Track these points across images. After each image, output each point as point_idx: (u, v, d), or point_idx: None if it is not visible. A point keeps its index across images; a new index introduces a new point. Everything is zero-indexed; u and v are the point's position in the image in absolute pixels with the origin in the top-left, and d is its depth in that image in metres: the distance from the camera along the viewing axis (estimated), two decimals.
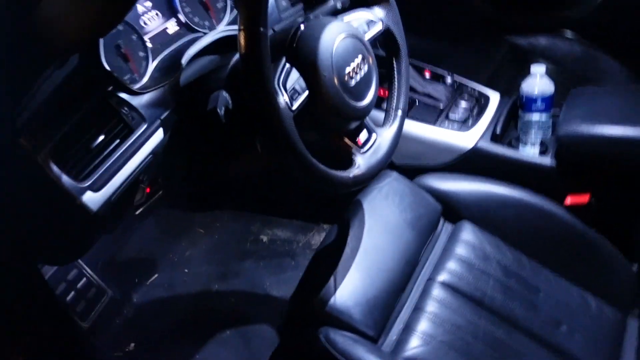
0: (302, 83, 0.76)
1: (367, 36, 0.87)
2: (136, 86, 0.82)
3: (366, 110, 0.84)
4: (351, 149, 0.85)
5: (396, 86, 0.93)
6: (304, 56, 0.76)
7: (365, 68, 0.83)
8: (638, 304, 1.04)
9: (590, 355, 0.98)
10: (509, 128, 1.25)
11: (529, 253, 1.08)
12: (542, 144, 1.20)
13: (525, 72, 1.20)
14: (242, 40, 0.67)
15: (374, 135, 0.89)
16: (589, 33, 1.61)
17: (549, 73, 1.18)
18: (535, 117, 1.19)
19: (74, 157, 0.71)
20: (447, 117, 1.23)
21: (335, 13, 0.93)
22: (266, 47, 0.68)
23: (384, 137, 0.91)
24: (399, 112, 0.94)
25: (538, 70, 1.17)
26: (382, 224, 1.06)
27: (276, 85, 0.72)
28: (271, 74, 0.70)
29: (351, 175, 0.82)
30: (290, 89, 0.74)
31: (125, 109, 0.78)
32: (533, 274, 1.06)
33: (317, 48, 0.76)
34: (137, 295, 1.37)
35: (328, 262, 1.01)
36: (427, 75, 1.32)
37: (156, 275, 1.42)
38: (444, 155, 1.21)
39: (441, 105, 1.26)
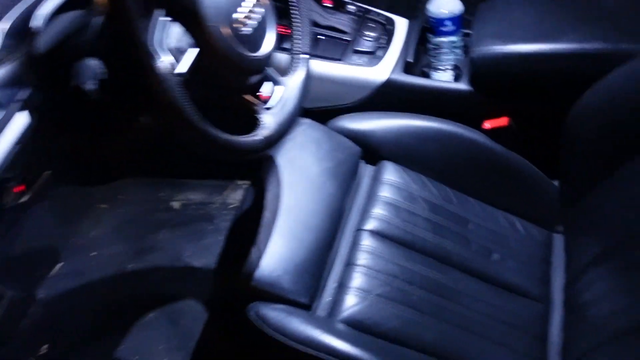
0: (187, 39, 0.63)
1: None
2: None
3: (265, 61, 0.73)
4: (255, 106, 0.74)
5: (297, 25, 0.82)
6: (182, 5, 0.63)
7: (259, 11, 0.71)
8: (561, 219, 1.04)
9: (523, 278, 0.98)
10: (420, 55, 1.18)
11: (454, 185, 1.05)
12: (456, 67, 1.14)
13: None
14: None
15: (279, 87, 0.79)
16: None
17: None
18: (445, 39, 1.13)
19: None
20: (354, 50, 1.14)
21: None
22: None
23: (290, 87, 0.80)
24: (304, 56, 0.83)
25: None
26: (300, 177, 0.97)
27: (154, 45, 0.59)
28: (144, 31, 0.57)
29: (260, 137, 0.71)
30: (173, 48, 0.61)
31: None
32: (460, 206, 1.03)
33: None
34: (42, 291, 1.22)
35: (248, 228, 0.93)
36: (327, 4, 1.21)
37: (60, 265, 1.27)
38: (356, 92, 1.13)
39: (346, 37, 1.16)
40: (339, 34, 1.15)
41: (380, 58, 1.12)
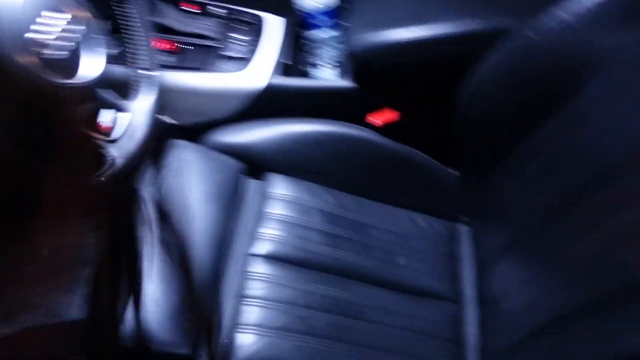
0: None
1: None
2: None
3: (89, 86, 0.60)
4: (96, 140, 0.62)
5: (129, 39, 0.70)
6: None
7: (74, 28, 0.58)
8: (463, 209, 0.99)
9: (431, 279, 0.91)
10: (301, 53, 1.09)
11: (350, 189, 0.97)
12: (340, 63, 1.06)
13: None
14: None
15: (122, 114, 0.67)
16: None
17: None
18: (323, 34, 1.04)
19: None
20: (224, 56, 1.03)
21: None
22: None
23: (138, 112, 0.68)
24: (144, 73, 0.71)
25: None
26: (180, 209, 0.86)
27: None
28: None
29: (102, 179, 0.59)
30: None
31: None
32: (359, 211, 0.95)
33: None
34: None
35: (114, 277, 0.80)
36: (185, 8, 1.09)
37: None
38: (230, 103, 1.02)
39: (214, 43, 1.05)
40: (205, 40, 1.04)
41: (254, 63, 1.02)
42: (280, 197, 0.93)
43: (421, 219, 0.97)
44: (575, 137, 0.73)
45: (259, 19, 1.09)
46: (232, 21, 1.09)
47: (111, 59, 0.67)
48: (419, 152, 0.99)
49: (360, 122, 0.98)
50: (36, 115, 0.57)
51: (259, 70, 1.01)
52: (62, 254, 1.22)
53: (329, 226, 0.91)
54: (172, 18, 1.05)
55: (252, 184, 0.97)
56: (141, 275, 0.77)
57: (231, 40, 1.05)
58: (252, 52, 1.04)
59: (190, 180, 0.90)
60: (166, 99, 1.01)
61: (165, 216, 0.84)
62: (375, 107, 1.00)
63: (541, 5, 0.87)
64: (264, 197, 0.93)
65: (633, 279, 0.57)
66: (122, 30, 0.70)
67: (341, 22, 1.06)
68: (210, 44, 1.04)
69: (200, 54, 1.03)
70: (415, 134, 0.99)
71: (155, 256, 0.80)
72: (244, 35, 1.06)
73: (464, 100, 0.90)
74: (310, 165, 0.97)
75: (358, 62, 0.99)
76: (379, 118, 0.99)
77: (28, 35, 0.54)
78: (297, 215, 0.91)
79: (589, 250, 0.64)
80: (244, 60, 1.03)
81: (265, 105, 1.02)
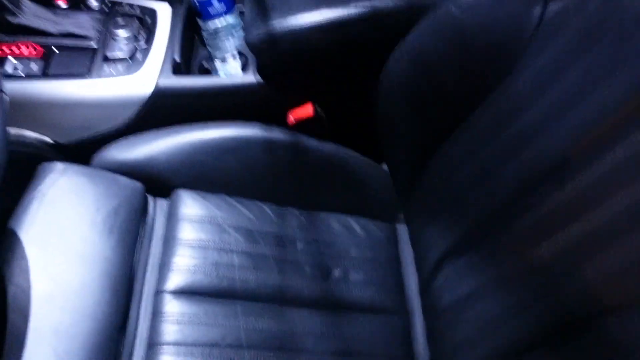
0: None
1: None
2: None
3: None
4: None
5: None
6: None
7: None
8: (400, 207, 0.89)
9: (373, 291, 0.82)
10: (194, 48, 0.94)
11: (270, 198, 0.85)
12: (241, 55, 0.93)
13: None
14: None
15: None
16: None
17: None
18: (219, 23, 0.91)
19: None
20: (104, 58, 0.87)
21: None
22: None
23: None
24: None
25: None
26: (59, 250, 0.70)
27: None
28: None
29: None
30: None
31: None
32: (282, 223, 0.83)
33: None
34: None
35: None
36: (60, 3, 0.92)
37: None
38: (119, 112, 0.86)
39: (93, 44, 0.88)
40: (81, 40, 0.88)
41: (141, 63, 0.86)
42: (191, 217, 0.79)
43: (355, 223, 0.87)
44: (513, 125, 0.64)
45: (146, 12, 0.94)
46: (114, 15, 0.92)
47: None
48: (344, 149, 0.88)
49: (274, 121, 0.86)
50: None
51: (146, 71, 0.86)
52: None
53: (250, 245, 0.79)
54: (38, 16, 0.87)
55: (156, 205, 0.82)
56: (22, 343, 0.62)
57: (114, 38, 0.89)
58: (140, 50, 0.88)
59: (75, 210, 0.74)
60: (37, 114, 0.85)
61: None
62: (288, 104, 0.88)
63: None
64: (173, 219, 0.79)
65: (594, 300, 0.48)
66: None
67: (240, 8, 0.93)
68: (87, 45, 0.88)
69: (74, 57, 0.86)
70: (336, 129, 0.88)
71: (36, 313, 0.65)
72: (128, 30, 0.90)
73: (385, 87, 0.80)
74: (221, 175, 0.84)
75: (259, 54, 0.86)
76: (292, 115, 0.87)
77: None
78: (213, 237, 0.78)
79: (540, 262, 0.56)
80: (132, 61, 0.87)
81: (159, 111, 0.87)
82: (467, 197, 0.68)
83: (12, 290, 0.65)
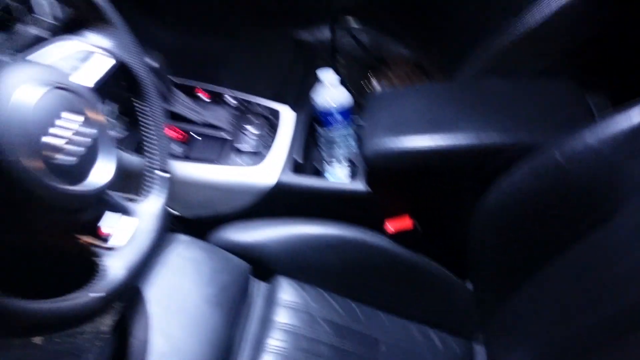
0: None
1: (93, 80, 0.59)
2: None
3: (96, 193, 0.56)
4: (91, 248, 0.57)
5: (148, 138, 0.67)
6: None
7: (86, 131, 0.55)
8: (480, 326, 0.93)
9: None
10: (311, 149, 1.06)
11: (360, 298, 0.91)
12: (351, 162, 1.03)
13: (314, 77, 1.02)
14: None
15: (127, 218, 0.62)
16: (371, 19, 1.51)
17: (342, 70, 1.01)
18: (336, 132, 1.02)
19: None
20: (234, 149, 1.00)
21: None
22: None
23: (144, 216, 0.64)
24: (159, 174, 0.68)
25: (326, 77, 0.99)
26: (175, 313, 0.79)
27: None
28: None
29: (91, 294, 0.54)
30: None
31: None
32: (369, 324, 0.89)
33: None
34: None
35: None
36: (201, 95, 1.07)
37: None
38: (239, 198, 0.98)
39: (226, 135, 1.02)
40: (217, 131, 1.02)
41: (265, 158, 0.99)
42: (288, 304, 0.87)
43: (434, 335, 0.91)
44: (603, 269, 0.69)
45: (274, 113, 1.07)
46: (247, 113, 1.07)
47: (123, 148, 0.63)
48: (432, 262, 0.94)
49: (374, 226, 0.94)
50: (33, 222, 0.52)
51: (270, 166, 0.98)
52: (54, 343, 1.13)
53: (338, 340, 0.85)
54: (184, 106, 1.02)
55: (259, 288, 0.91)
56: None
57: (244, 133, 1.02)
58: (265, 146, 1.01)
59: (193, 280, 0.84)
60: (172, 189, 0.97)
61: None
62: (389, 213, 0.96)
63: (568, 124, 0.86)
64: (271, 303, 0.87)
65: None
66: (141, 129, 0.67)
67: (356, 122, 1.05)
68: (221, 135, 1.02)
69: (210, 144, 1.00)
70: (429, 243, 0.95)
71: None
72: (258, 128, 1.04)
73: (482, 214, 0.87)
74: (320, 269, 0.92)
75: (371, 167, 0.96)
76: (392, 225, 0.95)
77: (45, 139, 0.50)
78: (304, 326, 0.85)
79: None
80: (257, 155, 0.99)
81: (275, 202, 0.98)
82: (549, 332, 0.72)
83: (133, 342, 0.74)
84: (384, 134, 0.93)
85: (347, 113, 1.02)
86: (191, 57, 1.26)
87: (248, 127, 1.03)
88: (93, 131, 0.55)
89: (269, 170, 0.97)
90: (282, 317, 0.86)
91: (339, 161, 1.03)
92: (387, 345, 0.87)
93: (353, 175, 1.01)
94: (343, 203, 0.97)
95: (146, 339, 0.75)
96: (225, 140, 1.01)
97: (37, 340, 1.15)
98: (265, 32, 1.51)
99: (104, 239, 0.58)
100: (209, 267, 0.86)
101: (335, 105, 1.00)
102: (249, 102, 1.09)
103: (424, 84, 1.28)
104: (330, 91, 1.00)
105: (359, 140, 1.04)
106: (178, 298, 0.81)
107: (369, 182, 0.96)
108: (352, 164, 1.03)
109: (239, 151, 0.99)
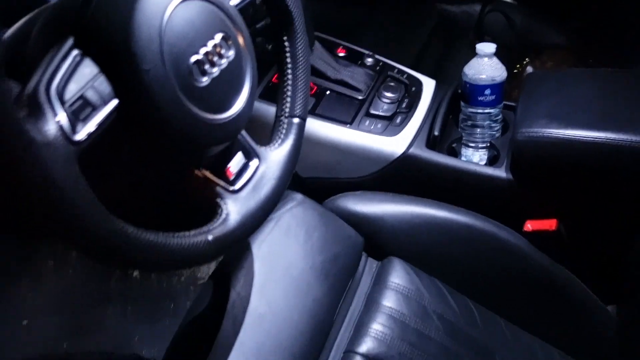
0: (104, 85, 0.41)
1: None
2: None
3: (235, 127, 0.50)
4: (215, 187, 0.51)
5: (289, 79, 0.60)
6: (105, 35, 0.41)
7: (230, 54, 0.49)
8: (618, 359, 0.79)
9: None
10: (448, 126, 0.95)
11: (480, 298, 0.81)
12: (491, 147, 0.92)
13: (462, 51, 0.91)
14: None
15: (254, 162, 0.56)
16: None
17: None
18: (483, 111, 0.91)
19: None
20: (367, 112, 0.92)
21: None
22: None
23: (271, 162, 0.58)
24: (295, 121, 0.61)
25: (486, 49, 0.88)
26: (279, 275, 0.74)
27: (43, 92, 0.37)
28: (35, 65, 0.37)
29: (210, 236, 0.48)
30: (74, 98, 0.39)
31: None
32: (486, 330, 0.78)
33: (131, 20, 0.41)
34: None
35: (201, 337, 0.69)
36: (341, 54, 1.00)
37: None
38: (364, 165, 0.90)
39: (360, 96, 0.94)
40: (351, 91, 0.94)
41: (398, 126, 0.90)
42: (398, 288, 0.78)
43: (562, 359, 0.79)
44: None
45: (414, 81, 0.98)
46: (385, 76, 0.98)
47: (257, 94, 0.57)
48: (573, 276, 0.81)
49: (510, 222, 0.82)
50: (160, 149, 0.48)
51: (403, 136, 0.89)
52: (150, 280, 1.13)
53: (449, 340, 0.75)
54: (322, 59, 0.95)
55: (370, 265, 0.83)
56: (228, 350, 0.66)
57: (379, 96, 0.94)
58: (399, 113, 0.92)
59: (302, 244, 0.77)
60: None
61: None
62: (530, 208, 0.84)
63: None
64: (380, 284, 0.79)
65: None
66: (282, 70, 0.60)
67: (504, 101, 0.92)
68: (353, 95, 0.94)
69: (340, 103, 0.92)
70: (574, 253, 0.81)
71: (246, 327, 0.68)
72: (394, 92, 0.94)
73: None
74: (441, 258, 0.82)
75: (520, 153, 0.84)
76: (531, 222, 0.83)
77: (194, 58, 0.45)
78: (414, 317, 0.76)
79: None
80: (388, 121, 0.91)
81: (401, 176, 0.89)
82: None
83: (233, 296, 0.70)
84: (542, 117, 0.81)
85: (498, 90, 0.90)
86: (334, 19, 1.21)
87: (384, 91, 0.94)
88: (234, 52, 0.49)
89: (401, 139, 0.88)
90: (391, 301, 0.77)
91: (479, 144, 0.92)
92: (503, 358, 0.76)
93: (492, 161, 0.90)
94: (478, 189, 0.86)
95: (246, 295, 0.70)
96: (357, 100, 0.93)
97: (136, 273, 1.17)
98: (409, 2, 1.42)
99: (230, 180, 0.53)
100: (322, 233, 0.79)
101: (486, 79, 0.88)
102: (389, 66, 1.00)
103: (592, 69, 1.12)
104: (486, 65, 0.88)
105: (506, 122, 0.92)
106: (284, 259, 0.75)
107: (513, 170, 0.84)
108: (493, 149, 0.91)
109: (370, 114, 0.91)
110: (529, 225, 0.82)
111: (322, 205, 0.85)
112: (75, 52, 0.40)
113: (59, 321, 1.06)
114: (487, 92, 0.89)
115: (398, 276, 0.80)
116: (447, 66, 1.31)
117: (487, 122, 0.91)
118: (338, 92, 0.94)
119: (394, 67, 1.00)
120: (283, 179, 0.58)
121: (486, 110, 0.91)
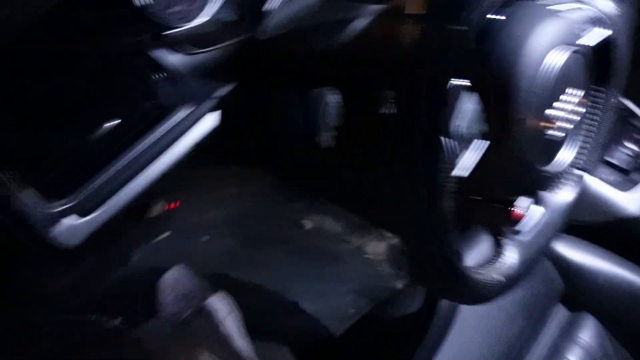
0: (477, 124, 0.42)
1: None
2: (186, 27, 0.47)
3: (552, 178, 0.50)
4: (503, 227, 0.52)
5: (592, 131, 0.58)
6: (496, 74, 0.42)
7: (579, 112, 0.48)
8: None
9: None
10: None
11: None
12: None
13: None
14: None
15: (537, 206, 0.56)
16: None
17: None
18: None
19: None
20: (604, 160, 0.87)
21: None
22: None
23: (555, 211, 0.57)
24: (582, 172, 0.59)
25: None
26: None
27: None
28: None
29: (499, 275, 0.49)
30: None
31: (158, 75, 0.45)
32: None
33: (517, 64, 0.42)
34: (138, 253, 1.08)
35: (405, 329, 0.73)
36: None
37: (167, 234, 1.12)
38: (588, 212, 0.86)
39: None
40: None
41: (635, 183, 0.85)
42: (585, 346, 0.77)
43: None
44: None
45: None
46: (627, 124, 0.92)
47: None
48: None
49: None
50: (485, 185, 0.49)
51: (636, 194, 0.84)
52: (319, 237, 1.16)
53: None
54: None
55: (561, 312, 0.82)
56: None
57: (618, 145, 0.89)
58: (638, 169, 0.87)
59: None
60: None
61: None
62: None
63: None
64: (567, 337, 0.78)
65: None
66: (588, 117, 0.59)
67: None
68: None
69: None
70: None
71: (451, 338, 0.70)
72: (635, 145, 0.89)
73: None
74: (636, 327, 0.79)
75: None
76: None
77: (549, 111, 0.45)
78: None
79: None
80: (624, 174, 0.86)
81: (618, 233, 0.85)
82: None
83: (442, 305, 0.72)
84: None
85: None
86: None
87: (625, 140, 0.89)
88: (581, 111, 0.48)
89: (634, 198, 0.84)
90: (576, 358, 0.76)
91: None
92: None
93: None
94: None
95: (455, 306, 0.72)
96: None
97: (308, 225, 1.21)
98: None
99: (514, 220, 0.53)
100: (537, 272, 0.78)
101: None
102: (633, 113, 0.93)
103: None
104: None
105: None
106: None
107: None
108: None
109: (608, 163, 0.87)
110: None
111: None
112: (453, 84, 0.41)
113: (230, 245, 1.13)
114: None
115: (589, 335, 0.78)
116: None
117: None
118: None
119: (637, 114, 0.94)
120: (561, 226, 0.57)
121: None
